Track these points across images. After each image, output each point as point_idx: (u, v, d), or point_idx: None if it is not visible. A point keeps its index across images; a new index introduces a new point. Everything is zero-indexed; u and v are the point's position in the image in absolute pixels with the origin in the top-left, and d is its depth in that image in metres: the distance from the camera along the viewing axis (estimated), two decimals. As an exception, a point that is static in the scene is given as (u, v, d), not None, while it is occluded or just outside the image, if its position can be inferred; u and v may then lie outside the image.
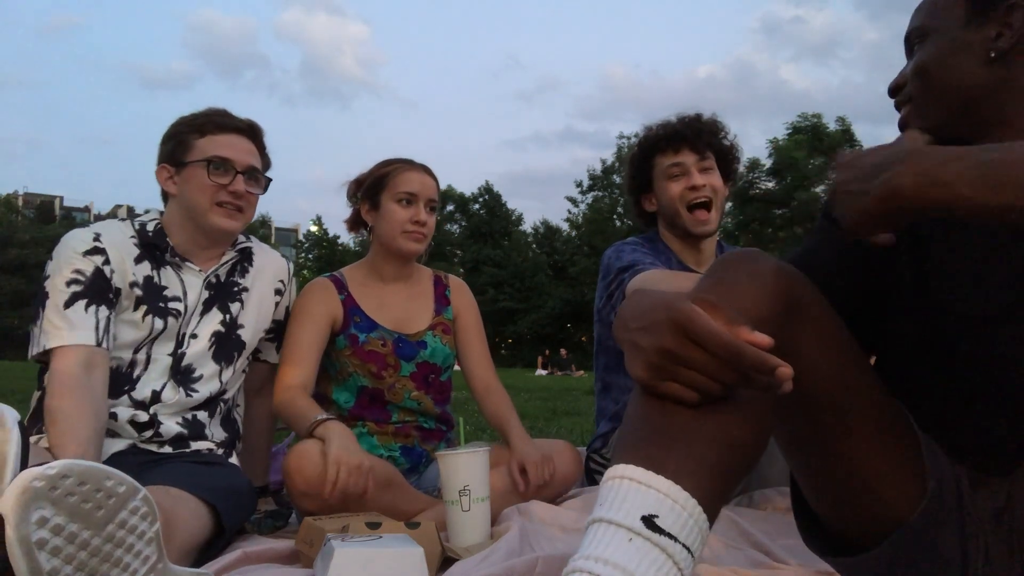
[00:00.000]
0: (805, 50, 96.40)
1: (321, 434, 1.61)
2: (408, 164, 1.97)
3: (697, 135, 2.03)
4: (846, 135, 33.32)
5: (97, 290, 1.53)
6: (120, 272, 1.58)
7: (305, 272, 36.70)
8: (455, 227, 41.39)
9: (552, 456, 1.81)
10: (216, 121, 1.68)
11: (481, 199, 42.08)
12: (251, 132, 1.72)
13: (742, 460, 0.75)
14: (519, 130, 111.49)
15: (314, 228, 41.95)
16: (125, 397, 1.56)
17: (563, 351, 26.32)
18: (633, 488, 0.70)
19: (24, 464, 0.93)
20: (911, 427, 0.91)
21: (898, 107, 1.07)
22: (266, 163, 1.77)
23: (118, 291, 1.57)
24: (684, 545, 0.68)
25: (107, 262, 1.56)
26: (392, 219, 1.91)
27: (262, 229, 45.67)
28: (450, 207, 41.57)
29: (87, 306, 1.50)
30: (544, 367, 24.05)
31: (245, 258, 1.79)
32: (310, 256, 40.75)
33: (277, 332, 1.87)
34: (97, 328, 1.49)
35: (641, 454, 0.72)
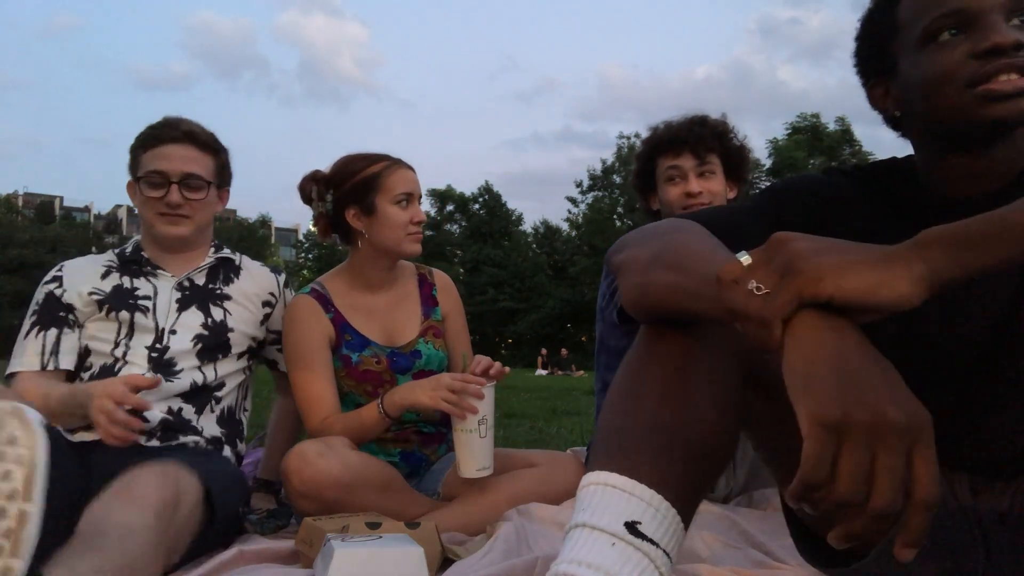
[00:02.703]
0: (802, 51, 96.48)
1: (389, 403, 1.69)
2: (394, 161, 1.87)
3: (698, 139, 1.99)
4: (846, 135, 33.35)
5: (46, 314, 1.70)
6: (72, 288, 1.71)
7: (305, 272, 36.69)
8: (455, 227, 41.36)
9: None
10: (154, 135, 1.73)
11: (481, 199, 42.06)
12: (189, 138, 1.74)
13: (716, 468, 0.78)
14: (517, 131, 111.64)
15: (314, 228, 41.77)
16: None
17: (563, 351, 26.31)
18: (615, 495, 0.72)
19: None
20: None
21: (997, 71, 0.86)
22: (220, 162, 1.80)
23: (70, 306, 1.70)
24: (664, 550, 0.71)
25: (60, 286, 1.72)
26: (394, 223, 1.83)
27: (262, 229, 45.60)
28: (450, 207, 41.55)
29: (37, 333, 1.68)
30: (544, 367, 24.04)
31: (230, 269, 1.86)
32: (310, 256, 40.73)
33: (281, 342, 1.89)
34: (43, 352, 1.67)
35: (623, 463, 0.74)
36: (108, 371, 1.65)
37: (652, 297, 0.77)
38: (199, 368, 1.71)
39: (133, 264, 1.77)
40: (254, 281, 1.88)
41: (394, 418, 1.72)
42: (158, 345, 1.68)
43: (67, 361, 1.67)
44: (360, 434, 1.72)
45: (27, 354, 1.67)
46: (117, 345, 1.67)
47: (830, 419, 0.56)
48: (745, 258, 0.65)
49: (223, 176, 1.82)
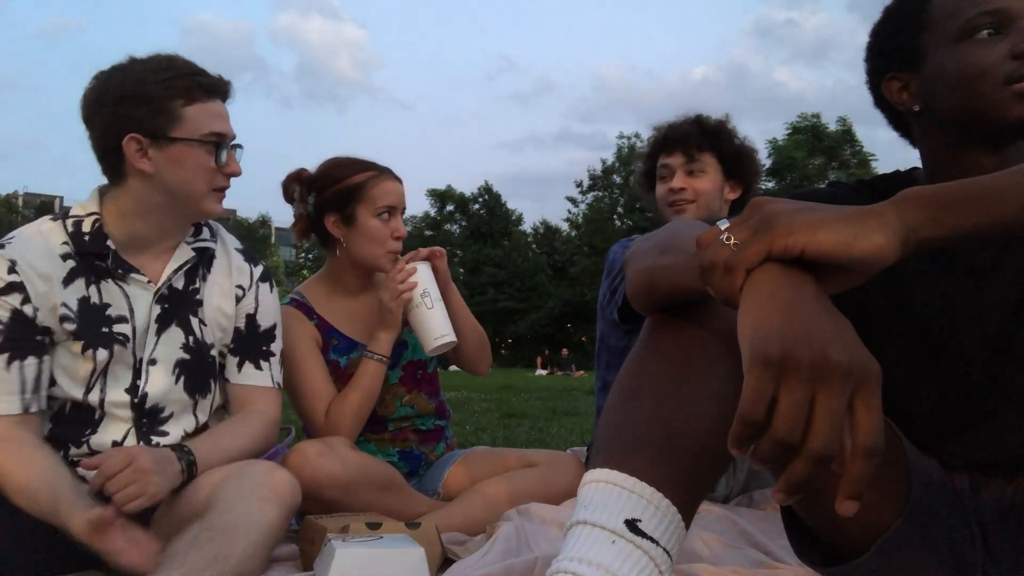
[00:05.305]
0: (799, 52, 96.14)
1: (376, 345, 1.75)
2: (381, 171, 1.83)
3: (686, 138, 2.01)
4: (847, 135, 33.37)
5: (18, 339, 1.30)
6: (45, 307, 1.32)
7: (305, 272, 36.69)
8: (455, 227, 41.38)
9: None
10: (202, 83, 1.37)
11: (481, 199, 42.06)
12: (229, 92, 1.44)
13: (717, 467, 0.78)
14: (516, 131, 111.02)
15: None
16: (84, 449, 1.36)
17: (564, 351, 26.34)
18: (616, 492, 0.72)
19: None
20: (892, 430, 0.91)
21: None
22: None
23: (47, 329, 1.33)
24: (664, 548, 0.71)
25: (26, 300, 1.30)
26: (373, 236, 1.78)
27: (262, 229, 45.54)
28: (450, 207, 41.56)
29: (8, 362, 1.29)
30: (544, 367, 24.05)
31: (204, 262, 1.49)
32: (310, 256, 40.73)
33: (238, 343, 1.52)
34: (23, 390, 1.29)
35: (624, 460, 0.74)
36: (84, 416, 1.36)
37: (654, 279, 0.78)
38: (192, 411, 1.45)
39: (98, 260, 1.37)
40: (223, 271, 1.51)
41: (388, 357, 1.76)
42: (138, 383, 1.38)
43: (44, 400, 1.33)
44: (371, 390, 1.74)
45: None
46: (90, 389, 1.36)
47: (771, 355, 0.54)
48: (725, 224, 0.64)
49: None
